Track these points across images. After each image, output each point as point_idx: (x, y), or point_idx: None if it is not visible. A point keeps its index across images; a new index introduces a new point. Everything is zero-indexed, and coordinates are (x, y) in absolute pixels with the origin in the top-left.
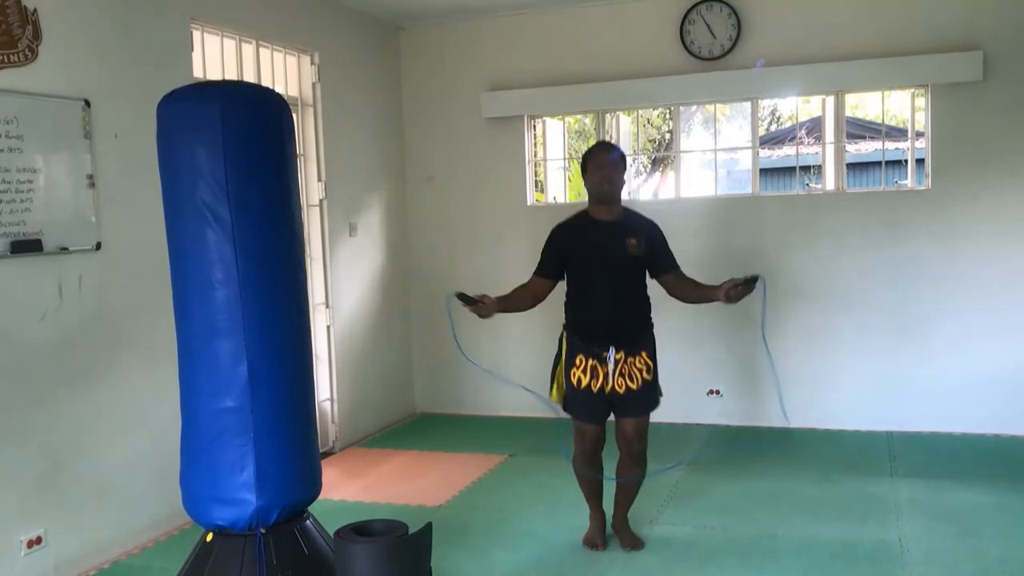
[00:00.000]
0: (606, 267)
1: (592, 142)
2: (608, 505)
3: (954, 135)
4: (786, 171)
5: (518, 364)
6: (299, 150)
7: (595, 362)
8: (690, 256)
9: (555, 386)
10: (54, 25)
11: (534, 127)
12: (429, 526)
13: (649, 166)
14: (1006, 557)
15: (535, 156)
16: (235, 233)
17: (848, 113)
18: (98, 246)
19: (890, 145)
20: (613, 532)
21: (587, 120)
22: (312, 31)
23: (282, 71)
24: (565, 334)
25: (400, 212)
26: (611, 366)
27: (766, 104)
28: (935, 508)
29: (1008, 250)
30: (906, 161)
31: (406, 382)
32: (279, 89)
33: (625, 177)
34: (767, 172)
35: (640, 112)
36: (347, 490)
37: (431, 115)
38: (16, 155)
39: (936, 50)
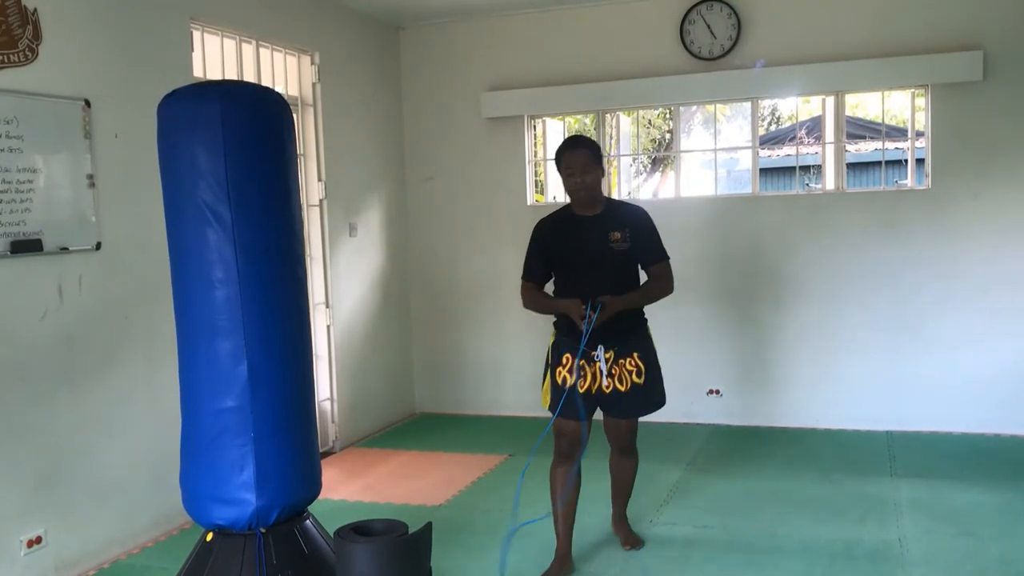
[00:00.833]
0: (591, 264)
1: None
2: (604, 506)
3: (954, 135)
4: (786, 171)
5: (518, 364)
6: (299, 150)
7: (583, 361)
8: (690, 256)
9: (544, 388)
10: (54, 25)
11: (534, 127)
12: (429, 526)
13: (649, 166)
14: (1006, 557)
15: (535, 156)
16: (235, 233)
17: (848, 113)
18: (98, 246)
19: (890, 145)
20: (612, 530)
21: (587, 120)
22: (312, 31)
23: (282, 71)
24: (553, 333)
25: (400, 212)
26: (601, 365)
27: (766, 104)
28: (935, 508)
29: (1008, 250)
30: (906, 161)
31: (406, 382)
32: (279, 89)
33: (603, 167)
34: (767, 172)
35: (640, 112)
36: (347, 490)
37: (431, 115)
38: (16, 155)
39: (936, 50)
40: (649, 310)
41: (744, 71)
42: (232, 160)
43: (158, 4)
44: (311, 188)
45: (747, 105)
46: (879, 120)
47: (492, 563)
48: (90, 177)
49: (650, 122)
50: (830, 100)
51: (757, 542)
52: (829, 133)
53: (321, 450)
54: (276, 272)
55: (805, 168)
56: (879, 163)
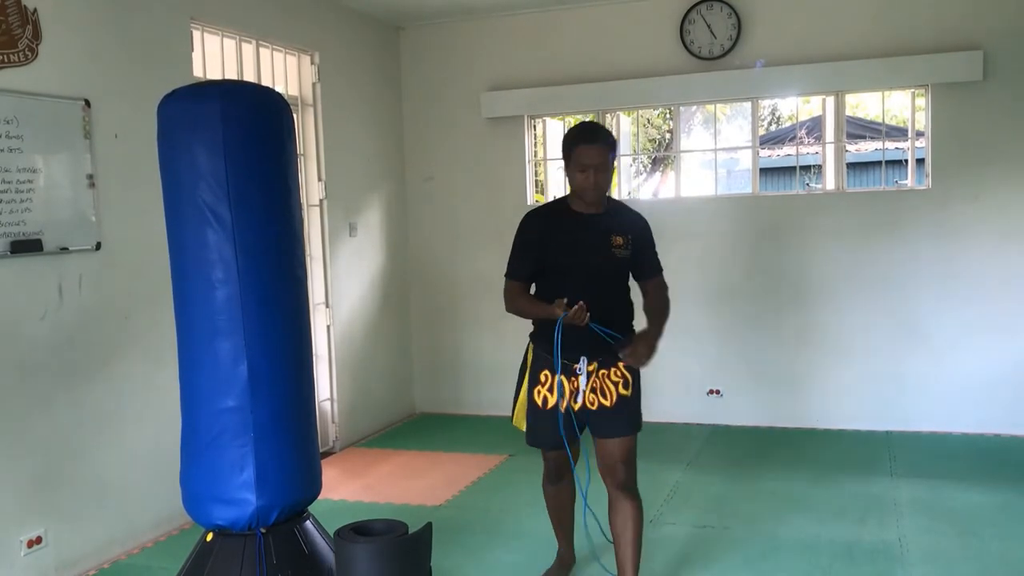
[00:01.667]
0: (585, 268)
1: None
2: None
3: (954, 135)
4: (786, 171)
5: (518, 363)
6: (299, 150)
7: (563, 376)
8: (690, 256)
9: (518, 407)
10: (54, 25)
11: (534, 127)
12: (429, 526)
13: (649, 166)
14: (1006, 557)
15: (535, 156)
16: (235, 233)
17: (848, 113)
18: (98, 246)
19: (890, 145)
20: None
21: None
22: (312, 31)
23: (282, 71)
24: (531, 346)
25: (400, 212)
26: (583, 380)
27: (766, 104)
28: (935, 508)
29: (1008, 250)
30: (906, 161)
31: (406, 382)
32: (279, 89)
33: (614, 165)
34: (767, 172)
35: (640, 112)
36: (347, 490)
37: (431, 115)
38: (16, 155)
39: (936, 50)
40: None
41: (744, 71)
42: (232, 160)
43: (158, 4)
44: (311, 188)
45: (747, 105)
46: (879, 120)
47: (492, 563)
48: (90, 177)
49: (649, 122)
50: (830, 100)
51: (757, 542)
52: (829, 133)
53: (321, 450)
54: (276, 272)
55: (805, 168)
56: (879, 163)
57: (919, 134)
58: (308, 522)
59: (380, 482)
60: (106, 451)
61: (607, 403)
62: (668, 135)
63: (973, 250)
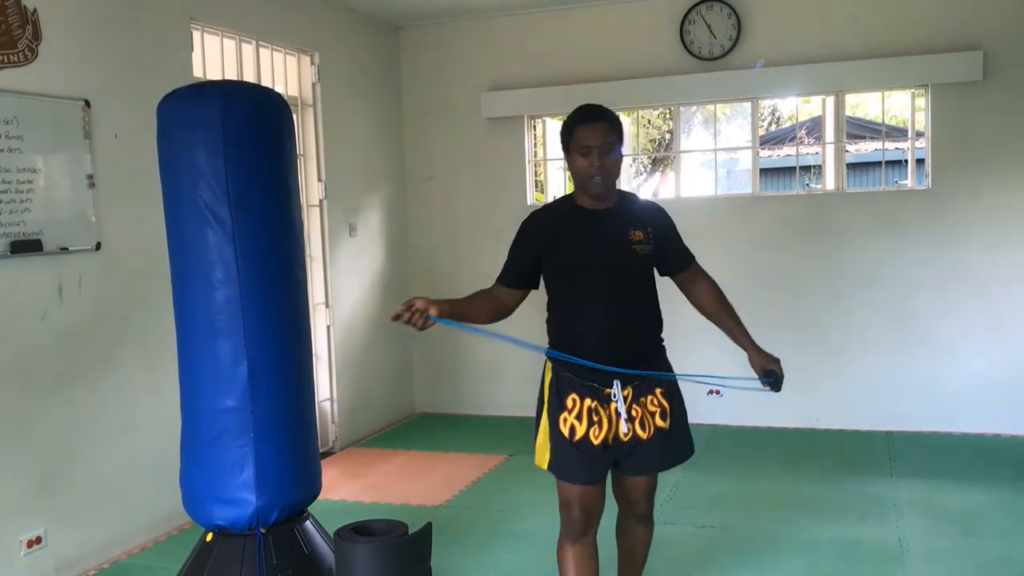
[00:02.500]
0: (604, 271)
1: None
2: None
3: (954, 135)
4: (786, 171)
5: (518, 364)
6: (299, 150)
7: (595, 403)
8: None
9: (539, 442)
10: (54, 25)
11: (534, 127)
12: (429, 526)
13: (649, 166)
14: (1006, 557)
15: (535, 156)
16: (235, 233)
17: (848, 113)
18: (98, 246)
19: (890, 145)
20: None
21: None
22: (312, 31)
23: (282, 71)
24: (549, 366)
25: (400, 212)
26: (619, 406)
27: (766, 104)
28: (935, 508)
29: (1008, 250)
30: (906, 161)
31: (406, 382)
32: (279, 89)
33: (622, 151)
34: (767, 172)
35: (640, 112)
36: (347, 490)
37: (431, 115)
38: (16, 155)
39: (936, 50)
40: None
41: (744, 71)
42: (232, 160)
43: (158, 4)
44: (311, 188)
45: (747, 105)
46: (879, 120)
47: (492, 563)
48: (90, 177)
49: (649, 122)
50: (830, 100)
51: (757, 542)
52: (829, 133)
53: (321, 450)
54: (276, 272)
55: (805, 168)
56: (879, 163)
57: (919, 134)
58: (308, 522)
59: (380, 482)
60: (106, 451)
61: (643, 435)
62: (668, 135)
63: (973, 250)
